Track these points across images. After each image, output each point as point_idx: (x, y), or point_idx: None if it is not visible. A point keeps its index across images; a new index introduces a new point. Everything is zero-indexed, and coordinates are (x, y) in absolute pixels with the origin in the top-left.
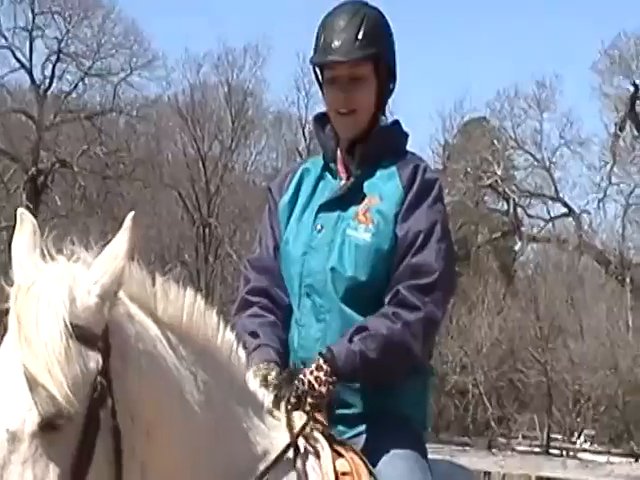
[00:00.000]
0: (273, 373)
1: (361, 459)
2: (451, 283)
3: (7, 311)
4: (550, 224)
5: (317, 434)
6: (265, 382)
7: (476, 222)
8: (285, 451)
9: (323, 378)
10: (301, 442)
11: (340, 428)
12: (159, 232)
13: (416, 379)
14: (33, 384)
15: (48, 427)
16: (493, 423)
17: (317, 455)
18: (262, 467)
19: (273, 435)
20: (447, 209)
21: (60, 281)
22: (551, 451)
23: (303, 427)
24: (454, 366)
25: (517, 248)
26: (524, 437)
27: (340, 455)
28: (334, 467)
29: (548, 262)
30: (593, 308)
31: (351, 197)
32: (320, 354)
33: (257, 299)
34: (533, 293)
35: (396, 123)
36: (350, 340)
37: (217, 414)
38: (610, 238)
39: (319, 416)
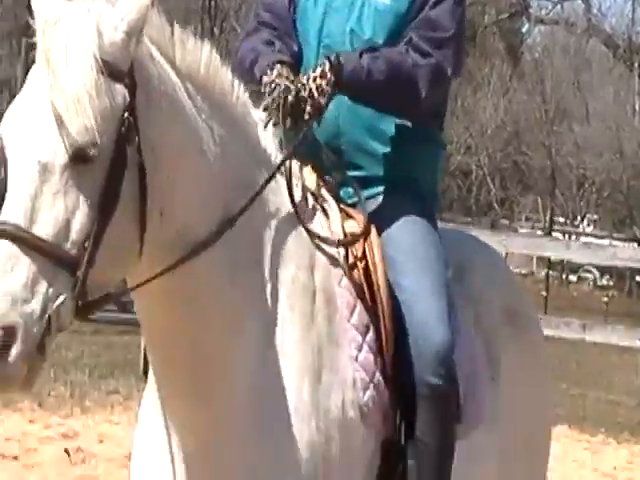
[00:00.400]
0: (284, 71)
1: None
2: (461, 48)
3: (33, 45)
4: (559, 6)
5: (326, 194)
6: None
7: (483, 2)
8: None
9: (325, 88)
10: (310, 199)
11: (350, 190)
12: (164, 3)
13: (428, 148)
14: (63, 117)
15: (78, 159)
16: (496, 204)
17: (326, 214)
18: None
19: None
20: None
21: (87, 17)
22: (554, 234)
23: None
24: (458, 147)
25: (524, 30)
26: (527, 219)
27: (349, 217)
28: (342, 227)
29: (555, 45)
30: (599, 92)
31: None
32: (328, 59)
33: (269, 30)
34: (539, 75)
35: None
36: (360, 55)
37: (232, 169)
38: (619, 22)
39: (328, 179)
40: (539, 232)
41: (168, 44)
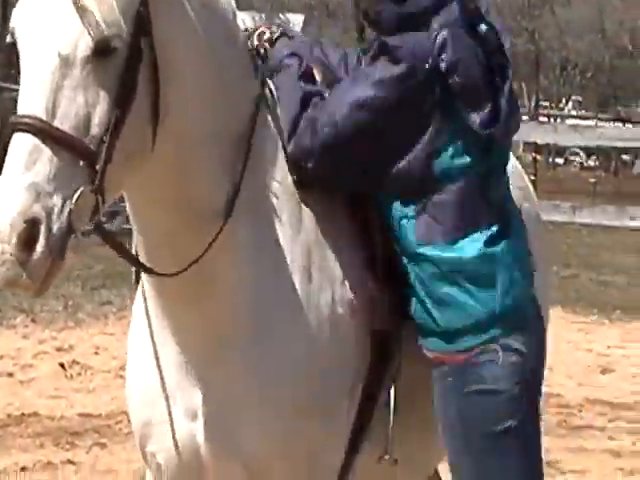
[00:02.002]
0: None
1: None
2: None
3: None
4: None
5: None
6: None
7: None
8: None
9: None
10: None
11: None
12: None
13: None
14: (88, 7)
15: (100, 52)
16: None
17: None
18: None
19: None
20: None
21: None
22: (540, 119)
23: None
24: None
25: None
26: None
27: None
28: None
29: None
30: None
31: None
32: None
33: None
34: None
35: None
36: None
37: (227, 82)
38: None
39: None
40: (525, 117)
41: None
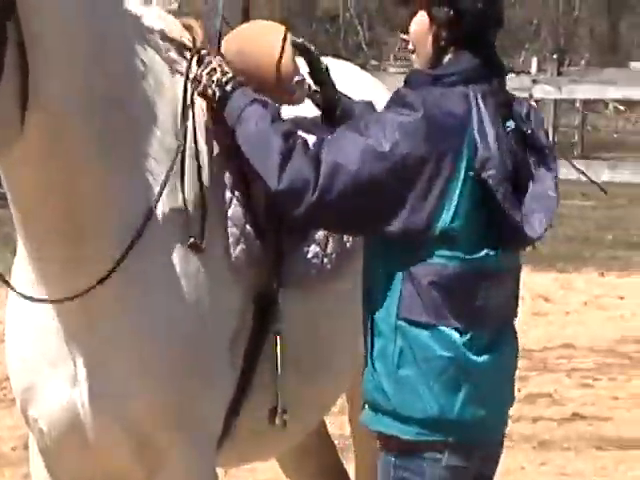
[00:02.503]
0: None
1: None
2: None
3: None
4: None
5: (190, 45)
6: None
7: None
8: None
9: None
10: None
11: None
12: None
13: None
14: None
15: None
16: (365, 47)
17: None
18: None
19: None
20: None
21: None
22: None
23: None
24: None
25: None
26: (396, 58)
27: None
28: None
29: None
30: None
31: None
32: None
33: None
34: None
35: None
36: (253, 102)
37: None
38: None
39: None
40: (407, 70)
41: None
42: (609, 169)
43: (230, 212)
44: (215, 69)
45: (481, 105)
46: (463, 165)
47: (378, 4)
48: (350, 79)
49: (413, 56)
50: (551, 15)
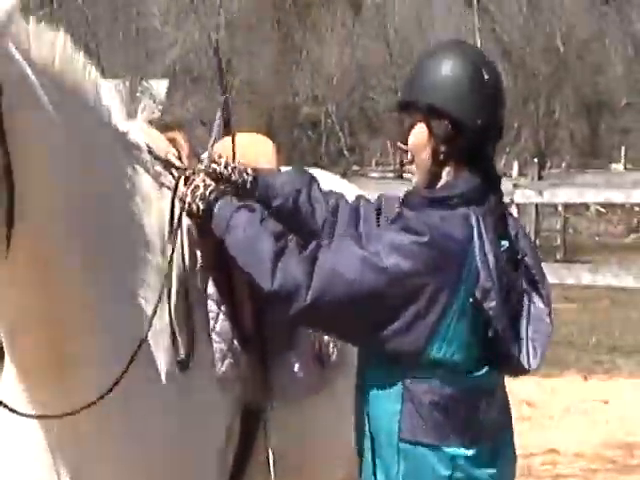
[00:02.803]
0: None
1: None
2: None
3: None
4: None
5: (175, 161)
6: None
7: None
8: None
9: (204, 197)
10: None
11: None
12: None
13: None
14: None
15: None
16: (346, 152)
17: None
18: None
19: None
20: None
21: None
22: (404, 175)
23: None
24: (305, 98)
25: None
26: (377, 164)
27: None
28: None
29: None
30: (442, 30)
31: None
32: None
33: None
34: (382, 20)
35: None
36: (239, 209)
37: (83, 146)
38: None
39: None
40: (390, 174)
41: (25, 39)
42: (591, 272)
43: (218, 327)
44: (198, 186)
45: (482, 228)
46: (462, 291)
47: (359, 110)
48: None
49: (412, 167)
50: (532, 118)
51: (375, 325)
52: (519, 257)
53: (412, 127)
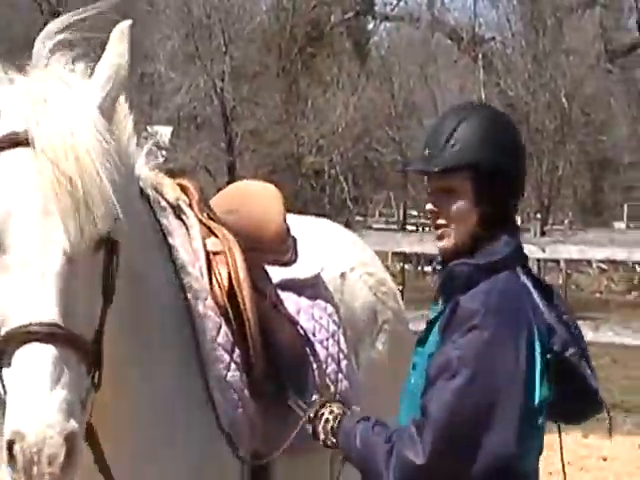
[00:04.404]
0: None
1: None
2: (440, 436)
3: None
4: (402, 2)
5: (186, 209)
6: None
7: (329, 2)
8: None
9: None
10: (171, 218)
11: None
12: (6, 22)
13: None
14: (89, 203)
15: (97, 247)
16: (350, 202)
17: (188, 232)
18: None
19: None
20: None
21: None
22: (408, 227)
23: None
24: (310, 148)
25: (370, 27)
26: (381, 215)
27: (212, 233)
28: (204, 246)
29: (402, 41)
30: (447, 84)
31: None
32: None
33: None
34: (387, 72)
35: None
36: (359, 421)
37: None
38: (462, 14)
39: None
40: (393, 226)
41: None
42: (592, 330)
43: (229, 376)
44: (328, 419)
45: (530, 285)
46: (538, 356)
47: (363, 161)
48: (327, 238)
49: (442, 230)
50: (535, 174)
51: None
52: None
53: (449, 191)
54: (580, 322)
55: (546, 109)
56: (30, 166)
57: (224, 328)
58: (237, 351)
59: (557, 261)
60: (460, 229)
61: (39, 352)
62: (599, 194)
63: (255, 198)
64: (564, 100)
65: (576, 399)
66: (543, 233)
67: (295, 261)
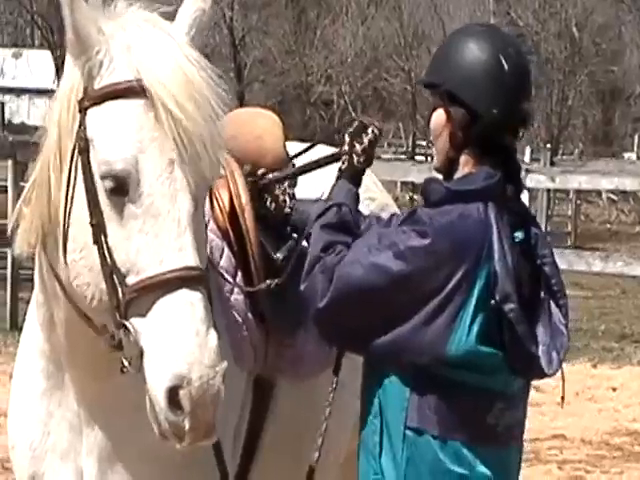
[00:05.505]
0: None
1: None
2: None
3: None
4: None
5: None
6: None
7: None
8: None
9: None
10: None
11: None
12: None
13: None
14: (210, 148)
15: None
16: None
17: None
18: None
19: None
20: None
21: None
22: (416, 157)
23: None
24: (319, 77)
25: None
26: (389, 145)
27: None
28: None
29: None
30: (456, 13)
31: None
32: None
33: None
34: (396, 1)
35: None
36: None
37: None
38: None
39: None
40: (402, 156)
41: None
42: (602, 260)
43: (232, 299)
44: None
45: (500, 226)
46: (476, 291)
47: (372, 91)
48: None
49: (434, 149)
50: (545, 104)
51: (383, 328)
52: (537, 262)
53: (435, 108)
54: (589, 253)
55: (556, 39)
56: (151, 115)
57: (227, 252)
58: (240, 274)
59: (567, 192)
60: (438, 146)
61: (192, 297)
62: (609, 125)
63: (253, 124)
64: (574, 29)
65: (515, 359)
66: (552, 163)
67: (295, 186)
